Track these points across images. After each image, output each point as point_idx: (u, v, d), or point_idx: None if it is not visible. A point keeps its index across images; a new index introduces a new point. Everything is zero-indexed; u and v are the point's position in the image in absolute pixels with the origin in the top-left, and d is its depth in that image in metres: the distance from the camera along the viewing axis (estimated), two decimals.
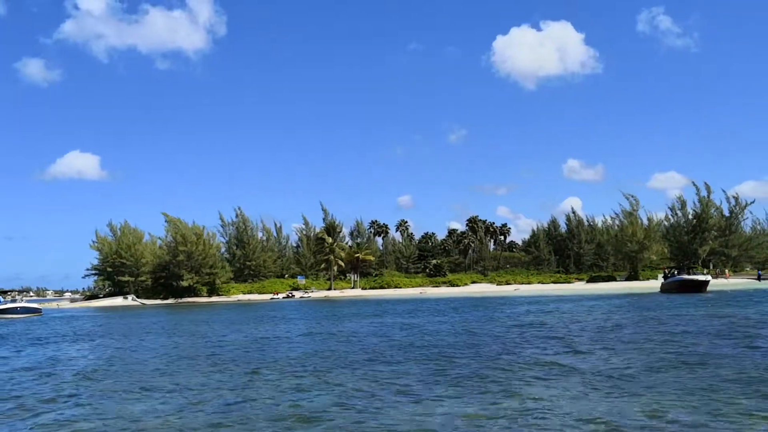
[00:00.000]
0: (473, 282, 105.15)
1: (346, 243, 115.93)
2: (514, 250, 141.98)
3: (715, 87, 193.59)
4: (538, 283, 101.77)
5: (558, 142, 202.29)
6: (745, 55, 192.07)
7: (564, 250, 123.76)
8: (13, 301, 67.07)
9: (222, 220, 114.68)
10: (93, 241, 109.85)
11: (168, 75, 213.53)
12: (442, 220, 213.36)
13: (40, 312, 66.39)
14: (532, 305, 47.54)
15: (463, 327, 29.52)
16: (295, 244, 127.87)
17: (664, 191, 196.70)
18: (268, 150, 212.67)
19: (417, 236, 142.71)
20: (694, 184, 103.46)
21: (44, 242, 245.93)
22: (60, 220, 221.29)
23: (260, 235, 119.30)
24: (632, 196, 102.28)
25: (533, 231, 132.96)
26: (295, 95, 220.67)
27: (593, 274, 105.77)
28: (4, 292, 68.68)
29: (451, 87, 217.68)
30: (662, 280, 66.70)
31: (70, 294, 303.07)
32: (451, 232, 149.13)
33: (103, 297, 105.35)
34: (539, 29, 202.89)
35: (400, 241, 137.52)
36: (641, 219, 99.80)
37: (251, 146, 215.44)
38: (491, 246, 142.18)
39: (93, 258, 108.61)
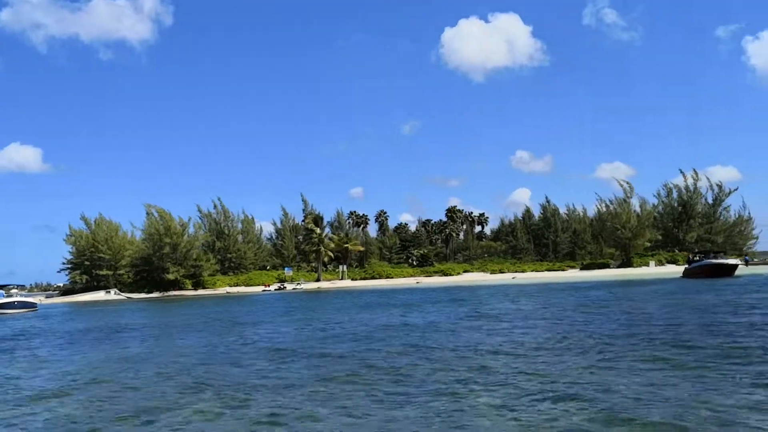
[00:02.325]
0: (465, 271, 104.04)
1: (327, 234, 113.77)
2: (483, 239, 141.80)
3: (657, 79, 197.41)
4: (533, 271, 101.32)
5: (507, 134, 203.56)
6: (687, 47, 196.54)
7: (540, 238, 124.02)
8: (10, 296, 63.59)
9: (200, 211, 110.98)
10: (67, 234, 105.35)
11: (111, 65, 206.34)
12: (394, 213, 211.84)
13: (36, 307, 63.11)
14: (580, 292, 46.41)
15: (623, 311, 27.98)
16: (268, 236, 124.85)
17: (610, 181, 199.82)
18: (215, 142, 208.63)
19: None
20: (681, 172, 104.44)
21: None
22: (2, 216, 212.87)
23: (239, 226, 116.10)
24: (627, 183, 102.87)
25: (502, 221, 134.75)
26: (242, 87, 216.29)
27: (585, 262, 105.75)
28: (3, 287, 65.01)
29: (402, 79, 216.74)
30: (685, 266, 66.50)
31: (17, 290, 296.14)
32: (426, 222, 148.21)
33: (80, 292, 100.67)
34: (487, 21, 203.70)
35: (376, 232, 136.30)
36: (634, 206, 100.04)
37: (198, 138, 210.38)
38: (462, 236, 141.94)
39: (65, 252, 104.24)
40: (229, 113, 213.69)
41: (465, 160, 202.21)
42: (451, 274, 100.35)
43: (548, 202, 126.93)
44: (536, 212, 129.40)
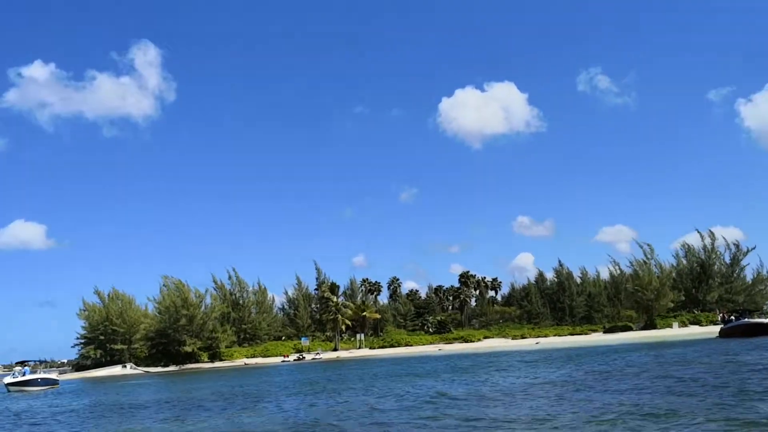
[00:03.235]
0: (485, 337, 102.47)
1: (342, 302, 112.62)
2: (495, 304, 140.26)
3: (653, 142, 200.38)
4: (555, 335, 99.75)
5: (507, 200, 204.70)
6: (680, 110, 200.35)
7: (555, 302, 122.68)
8: (34, 372, 62.38)
9: (215, 282, 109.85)
10: (80, 309, 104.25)
11: (115, 142, 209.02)
12: (394, 278, 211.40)
13: (58, 384, 61.73)
14: (618, 354, 45.51)
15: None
16: (279, 305, 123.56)
17: (612, 244, 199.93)
18: (218, 217, 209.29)
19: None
20: (699, 232, 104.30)
21: None
22: (6, 292, 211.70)
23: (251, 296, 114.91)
24: (647, 245, 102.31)
25: (513, 285, 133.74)
26: (243, 159, 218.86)
27: (607, 325, 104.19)
28: (23, 363, 63.74)
29: (399, 148, 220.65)
30: (720, 326, 65.75)
31: (20, 367, 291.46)
32: (438, 289, 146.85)
33: (93, 367, 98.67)
34: (483, 90, 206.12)
35: (384, 301, 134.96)
36: (654, 267, 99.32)
37: (202, 213, 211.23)
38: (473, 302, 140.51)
39: (68, 328, 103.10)
40: (234, 184, 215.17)
41: (465, 225, 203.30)
42: (471, 341, 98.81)
43: (561, 265, 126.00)
44: (536, 276, 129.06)
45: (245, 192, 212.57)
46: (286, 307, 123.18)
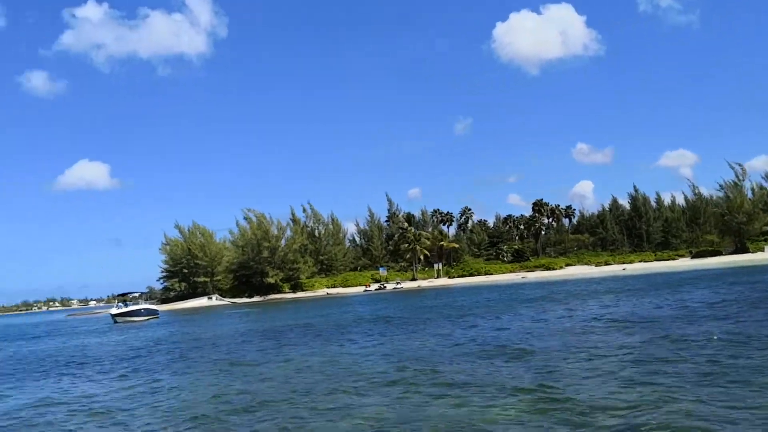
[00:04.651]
0: (567, 265, 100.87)
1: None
2: (564, 233, 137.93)
3: (718, 61, 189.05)
4: (640, 261, 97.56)
5: (565, 126, 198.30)
6: (746, 27, 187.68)
7: (631, 229, 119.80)
8: (136, 303, 63.96)
9: (293, 215, 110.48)
10: (162, 243, 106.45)
11: (170, 80, 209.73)
12: (453, 211, 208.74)
13: (158, 315, 63.18)
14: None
15: None
16: (350, 237, 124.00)
17: (675, 169, 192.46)
18: (272, 148, 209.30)
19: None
20: None
21: (59, 253, 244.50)
22: (73, 230, 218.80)
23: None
24: (739, 165, 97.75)
25: (582, 213, 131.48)
26: (296, 93, 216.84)
27: (694, 250, 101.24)
28: (124, 296, 65.47)
29: (453, 77, 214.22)
30: None
31: (95, 302, 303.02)
32: (507, 218, 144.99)
33: (178, 299, 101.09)
34: (540, 13, 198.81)
35: (455, 231, 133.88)
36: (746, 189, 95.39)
37: (258, 146, 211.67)
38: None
39: (136, 264, 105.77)
40: (284, 120, 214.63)
41: (522, 155, 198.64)
42: (553, 268, 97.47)
43: (636, 190, 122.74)
44: (598, 204, 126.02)
45: (299, 126, 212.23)
46: (357, 239, 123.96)
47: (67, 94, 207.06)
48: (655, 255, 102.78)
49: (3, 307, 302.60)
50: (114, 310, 60.43)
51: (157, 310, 64.76)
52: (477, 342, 19.45)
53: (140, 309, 61.02)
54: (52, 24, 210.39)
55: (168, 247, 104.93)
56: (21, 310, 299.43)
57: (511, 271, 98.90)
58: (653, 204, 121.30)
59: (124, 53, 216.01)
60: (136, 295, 70.62)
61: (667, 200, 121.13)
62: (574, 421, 9.28)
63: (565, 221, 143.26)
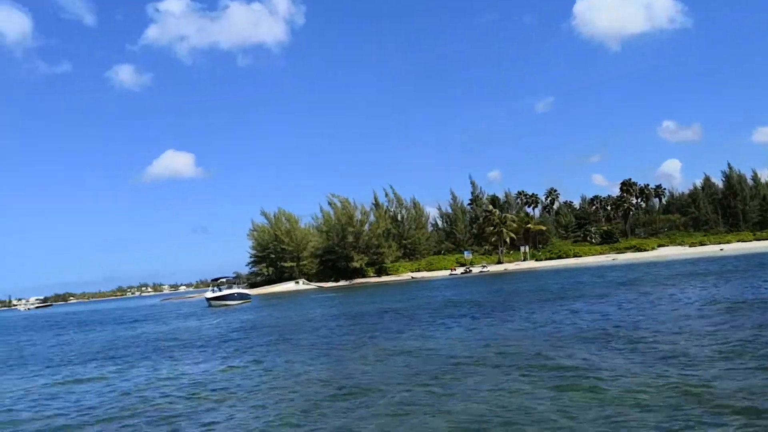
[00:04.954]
0: (659, 246, 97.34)
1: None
2: (655, 213, 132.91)
3: None
4: (738, 241, 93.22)
5: (650, 104, 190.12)
6: None
7: (725, 208, 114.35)
8: (230, 288, 65.76)
9: (375, 200, 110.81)
10: (250, 229, 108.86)
11: (250, 70, 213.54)
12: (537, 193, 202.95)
13: (250, 299, 64.74)
14: None
15: None
16: (432, 221, 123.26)
17: None
18: (351, 134, 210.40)
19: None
20: None
21: (149, 241, 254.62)
22: (162, 218, 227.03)
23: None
24: None
25: (672, 193, 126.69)
26: (373, 78, 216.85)
27: None
28: (217, 280, 67.39)
29: (533, 56, 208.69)
30: None
31: (185, 288, 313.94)
32: (594, 199, 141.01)
33: (264, 284, 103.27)
34: None
35: (539, 213, 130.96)
36: None
37: (337, 132, 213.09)
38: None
39: (222, 251, 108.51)
40: (362, 105, 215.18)
41: (605, 134, 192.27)
42: (645, 249, 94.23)
43: (731, 168, 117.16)
44: (686, 183, 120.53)
45: (376, 110, 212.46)
46: (439, 222, 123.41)
47: (153, 87, 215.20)
48: (754, 235, 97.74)
49: (99, 292, 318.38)
50: (209, 294, 62.32)
51: (249, 294, 66.35)
52: (581, 326, 18.85)
53: (233, 293, 62.58)
54: (137, 19, 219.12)
55: (255, 233, 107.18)
56: (115, 296, 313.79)
57: (600, 253, 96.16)
58: (749, 181, 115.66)
59: (205, 44, 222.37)
60: (230, 279, 72.55)
61: (764, 178, 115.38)
62: (714, 409, 8.73)
63: (655, 201, 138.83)
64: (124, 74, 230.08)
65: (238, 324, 33.78)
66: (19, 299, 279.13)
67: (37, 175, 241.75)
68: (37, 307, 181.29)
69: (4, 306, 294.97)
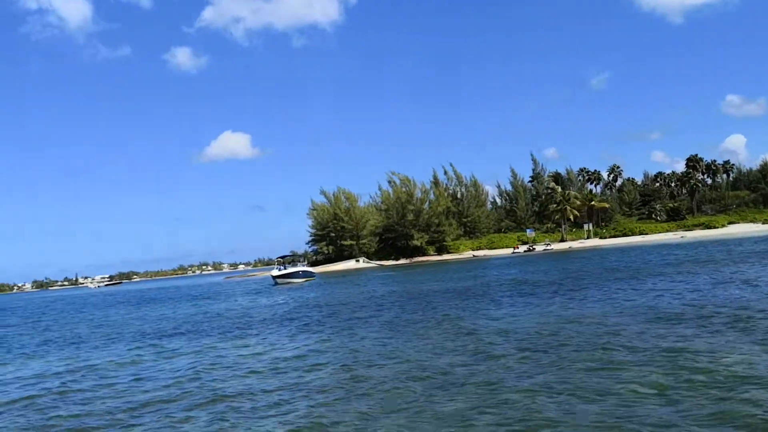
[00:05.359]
0: (730, 223, 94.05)
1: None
2: (724, 189, 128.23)
3: None
4: None
5: (713, 77, 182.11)
6: None
7: None
8: (294, 265, 66.49)
9: (435, 178, 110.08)
10: (309, 208, 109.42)
11: (304, 50, 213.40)
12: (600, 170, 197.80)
13: (314, 276, 65.32)
14: None
15: None
16: (491, 199, 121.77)
17: None
18: (404, 113, 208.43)
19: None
20: None
21: (208, 220, 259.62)
22: (221, 198, 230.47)
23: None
24: None
25: (739, 169, 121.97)
26: (427, 57, 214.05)
27: None
28: (284, 258, 68.30)
29: (590, 29, 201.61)
30: None
31: (243, 266, 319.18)
32: (657, 176, 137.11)
33: (324, 262, 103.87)
34: None
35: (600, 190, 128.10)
36: None
37: (391, 111, 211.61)
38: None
39: (278, 230, 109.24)
40: (415, 84, 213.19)
41: (665, 109, 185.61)
42: (714, 227, 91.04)
43: None
44: (750, 159, 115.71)
45: (429, 86, 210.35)
46: (498, 200, 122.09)
47: (210, 68, 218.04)
48: None
49: (161, 271, 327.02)
50: (275, 272, 63.07)
51: (313, 273, 66.94)
52: (673, 304, 18.17)
53: (298, 271, 63.17)
54: (193, 2, 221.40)
55: (314, 212, 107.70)
56: (177, 274, 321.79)
57: (667, 231, 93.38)
58: None
59: (260, 26, 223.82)
60: (296, 256, 73.30)
61: None
62: None
63: (722, 178, 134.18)
64: (182, 56, 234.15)
65: (309, 301, 34.01)
66: (86, 277, 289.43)
67: (99, 157, 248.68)
68: (107, 285, 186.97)
69: (72, 284, 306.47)
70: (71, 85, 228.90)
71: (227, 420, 9.77)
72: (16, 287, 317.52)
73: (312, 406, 10.08)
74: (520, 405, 8.99)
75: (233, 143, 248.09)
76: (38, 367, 17.84)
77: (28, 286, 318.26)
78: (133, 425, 10.13)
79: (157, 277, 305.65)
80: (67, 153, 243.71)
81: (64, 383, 14.60)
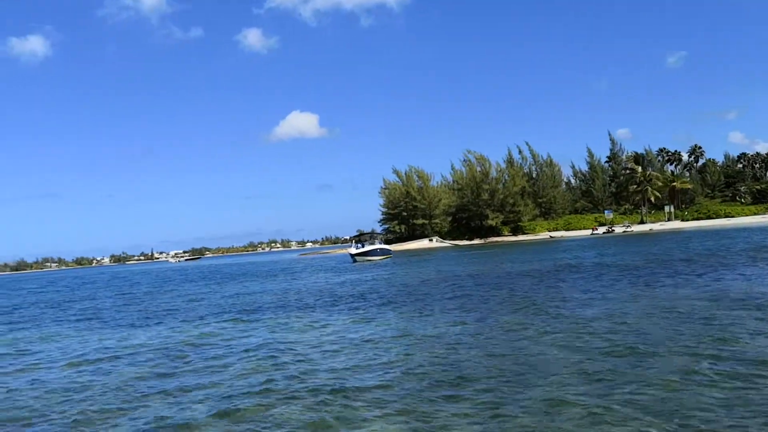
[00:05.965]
0: None
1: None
2: None
3: None
4: None
5: None
6: None
7: None
8: (372, 243, 66.88)
9: (509, 157, 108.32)
10: (381, 187, 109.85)
11: (372, 30, 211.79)
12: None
13: (391, 254, 65.56)
14: None
15: None
16: (566, 179, 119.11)
17: None
18: (469, 93, 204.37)
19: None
20: None
21: (277, 199, 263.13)
22: (289, 177, 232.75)
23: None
24: None
25: None
26: (494, 35, 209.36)
27: None
28: (361, 236, 68.88)
29: (664, 6, 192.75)
30: None
31: (311, 244, 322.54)
32: (741, 156, 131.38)
33: (396, 241, 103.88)
34: None
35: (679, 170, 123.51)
36: None
37: (458, 91, 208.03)
38: None
39: (344, 209, 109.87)
40: (482, 64, 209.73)
41: (743, 88, 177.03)
42: None
43: None
44: None
45: (496, 67, 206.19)
46: (572, 181, 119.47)
47: (280, 49, 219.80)
48: None
49: (233, 247, 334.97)
50: (353, 250, 63.60)
51: (390, 250, 67.06)
52: None
53: (376, 249, 63.44)
54: None
55: (386, 191, 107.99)
56: (247, 251, 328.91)
57: (755, 213, 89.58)
58: None
59: (329, 5, 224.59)
60: (375, 233, 73.61)
61: None
62: None
63: None
64: (252, 38, 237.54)
65: (394, 279, 33.89)
66: (161, 252, 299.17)
67: (172, 136, 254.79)
68: (186, 260, 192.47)
69: (147, 259, 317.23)
70: (147, 66, 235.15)
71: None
72: (95, 260, 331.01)
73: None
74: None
75: (301, 123, 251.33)
76: (201, 331, 18.15)
77: (106, 260, 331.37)
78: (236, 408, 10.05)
79: (228, 254, 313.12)
80: (142, 134, 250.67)
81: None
